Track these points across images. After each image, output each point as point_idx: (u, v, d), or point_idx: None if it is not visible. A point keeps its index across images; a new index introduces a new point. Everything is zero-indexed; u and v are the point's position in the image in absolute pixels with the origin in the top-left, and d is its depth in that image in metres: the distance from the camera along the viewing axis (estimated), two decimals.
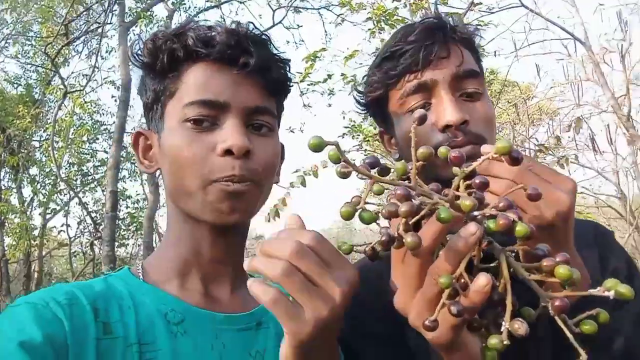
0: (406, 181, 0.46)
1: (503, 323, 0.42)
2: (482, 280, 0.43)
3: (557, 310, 0.42)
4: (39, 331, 0.54)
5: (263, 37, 0.73)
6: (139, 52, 0.72)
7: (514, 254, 0.46)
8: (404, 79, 0.78)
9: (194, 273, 0.71)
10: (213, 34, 0.69)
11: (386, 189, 0.50)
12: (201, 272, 0.71)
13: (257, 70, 0.69)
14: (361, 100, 0.89)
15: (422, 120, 0.47)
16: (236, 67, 0.68)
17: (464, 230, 0.44)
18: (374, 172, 0.47)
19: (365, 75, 0.89)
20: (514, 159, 0.45)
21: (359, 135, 5.62)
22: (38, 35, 8.83)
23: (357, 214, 0.45)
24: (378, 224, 0.52)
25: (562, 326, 0.42)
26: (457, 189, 0.46)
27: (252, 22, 0.74)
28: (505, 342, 0.42)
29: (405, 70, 0.78)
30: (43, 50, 6.55)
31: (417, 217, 0.44)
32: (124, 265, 0.88)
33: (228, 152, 0.65)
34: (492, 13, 5.34)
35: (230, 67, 0.69)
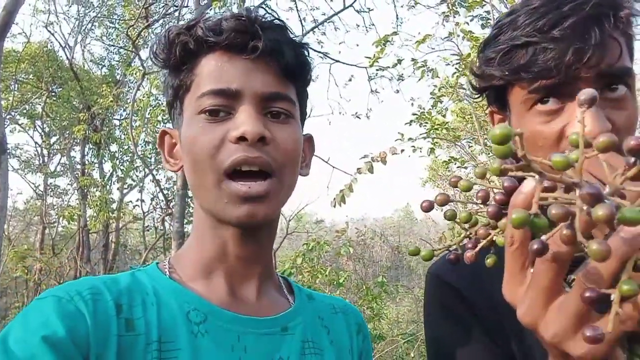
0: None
1: None
2: None
3: None
4: (62, 325, 0.54)
5: (275, 21, 0.70)
6: (157, 51, 0.71)
7: None
8: (538, 82, 0.65)
9: (219, 273, 0.69)
10: (222, 22, 0.67)
11: (474, 184, 0.46)
12: (227, 272, 0.69)
13: (269, 54, 0.66)
14: (476, 85, 0.76)
15: (592, 101, 0.39)
16: (246, 52, 0.66)
17: (625, 229, 0.37)
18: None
19: (482, 51, 0.74)
20: None
21: (427, 123, 5.49)
22: (121, 18, 9.30)
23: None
24: (459, 223, 0.49)
25: None
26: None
27: (263, 7, 0.71)
28: None
29: (541, 76, 0.64)
30: (125, 32, 6.88)
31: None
32: None
33: (242, 139, 0.63)
34: None
35: (240, 54, 0.66)
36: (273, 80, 0.67)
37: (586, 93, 0.39)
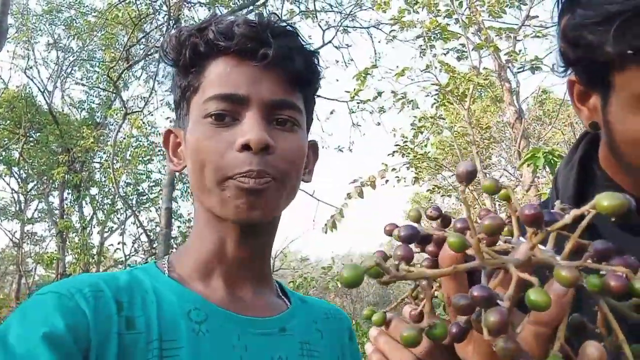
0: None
1: None
2: (593, 351, 0.32)
3: None
4: (62, 322, 0.53)
5: (287, 28, 0.70)
6: (168, 50, 0.71)
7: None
8: None
9: (217, 272, 0.69)
10: (233, 27, 0.67)
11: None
12: (224, 272, 0.69)
13: (278, 62, 0.66)
14: (568, 52, 0.58)
15: None
16: (255, 59, 0.66)
17: (552, 293, 0.34)
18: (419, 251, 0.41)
19: (570, 7, 0.57)
20: None
21: (409, 153, 5.58)
22: (101, 61, 9.35)
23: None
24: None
25: None
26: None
27: (275, 13, 0.72)
28: None
29: None
30: (106, 74, 6.91)
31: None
32: None
33: (246, 147, 0.63)
34: (547, 28, 5.22)
35: (250, 60, 0.66)
36: (281, 88, 0.67)
37: None
